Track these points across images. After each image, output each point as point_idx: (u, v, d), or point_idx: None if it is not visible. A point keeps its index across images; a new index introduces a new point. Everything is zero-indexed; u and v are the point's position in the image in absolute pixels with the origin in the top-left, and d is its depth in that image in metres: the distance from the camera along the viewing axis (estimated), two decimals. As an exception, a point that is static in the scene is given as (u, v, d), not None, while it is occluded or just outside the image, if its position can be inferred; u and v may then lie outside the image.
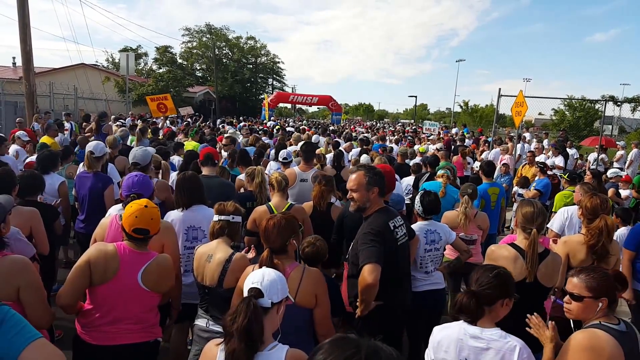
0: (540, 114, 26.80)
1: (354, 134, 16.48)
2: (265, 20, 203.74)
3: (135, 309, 2.43)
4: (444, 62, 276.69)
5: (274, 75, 54.76)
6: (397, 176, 5.26)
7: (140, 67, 36.43)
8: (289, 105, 50.56)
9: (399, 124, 39.39)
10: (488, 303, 2.06)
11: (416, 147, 11.13)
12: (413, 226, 3.61)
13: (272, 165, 6.42)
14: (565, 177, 6.32)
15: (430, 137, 16.62)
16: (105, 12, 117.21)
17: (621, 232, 4.60)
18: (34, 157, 5.85)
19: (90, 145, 4.71)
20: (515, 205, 3.50)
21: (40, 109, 13.23)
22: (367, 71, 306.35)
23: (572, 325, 2.36)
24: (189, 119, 18.87)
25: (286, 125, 21.80)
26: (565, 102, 24.61)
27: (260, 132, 13.08)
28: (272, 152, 7.80)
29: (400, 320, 3.01)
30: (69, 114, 13.29)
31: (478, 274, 2.13)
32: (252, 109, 44.40)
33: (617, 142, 15.56)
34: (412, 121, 46.99)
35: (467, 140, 16.01)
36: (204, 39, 48.14)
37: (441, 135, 17.11)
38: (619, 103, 27.13)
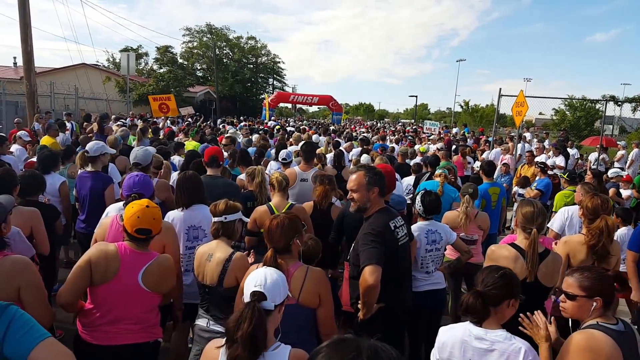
0: (540, 113, 26.69)
1: (354, 134, 16.49)
2: (265, 20, 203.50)
3: (135, 309, 2.43)
4: (444, 62, 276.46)
5: (275, 75, 54.84)
6: (397, 176, 5.26)
7: (141, 67, 36.42)
8: (289, 105, 50.47)
9: (400, 124, 39.30)
10: (494, 304, 2.06)
11: (417, 146, 11.12)
12: (414, 226, 3.61)
13: (272, 165, 6.43)
14: (565, 176, 6.33)
15: (431, 137, 16.61)
16: (106, 12, 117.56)
17: (622, 232, 4.61)
18: (34, 158, 5.85)
19: (88, 145, 4.72)
20: (515, 205, 3.50)
21: (41, 109, 13.24)
22: (368, 71, 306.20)
23: (570, 325, 2.36)
24: (189, 119, 18.90)
25: (287, 125, 21.80)
26: (566, 102, 24.59)
27: (260, 132, 13.09)
28: (273, 152, 7.81)
29: (401, 320, 3.00)
30: (69, 114, 13.28)
31: (484, 275, 2.13)
32: (253, 109, 44.41)
33: (618, 142, 15.54)
34: (413, 121, 46.95)
35: (468, 140, 16.01)
36: (205, 38, 48.21)
37: (441, 135, 17.10)
38: (619, 103, 27.04)
